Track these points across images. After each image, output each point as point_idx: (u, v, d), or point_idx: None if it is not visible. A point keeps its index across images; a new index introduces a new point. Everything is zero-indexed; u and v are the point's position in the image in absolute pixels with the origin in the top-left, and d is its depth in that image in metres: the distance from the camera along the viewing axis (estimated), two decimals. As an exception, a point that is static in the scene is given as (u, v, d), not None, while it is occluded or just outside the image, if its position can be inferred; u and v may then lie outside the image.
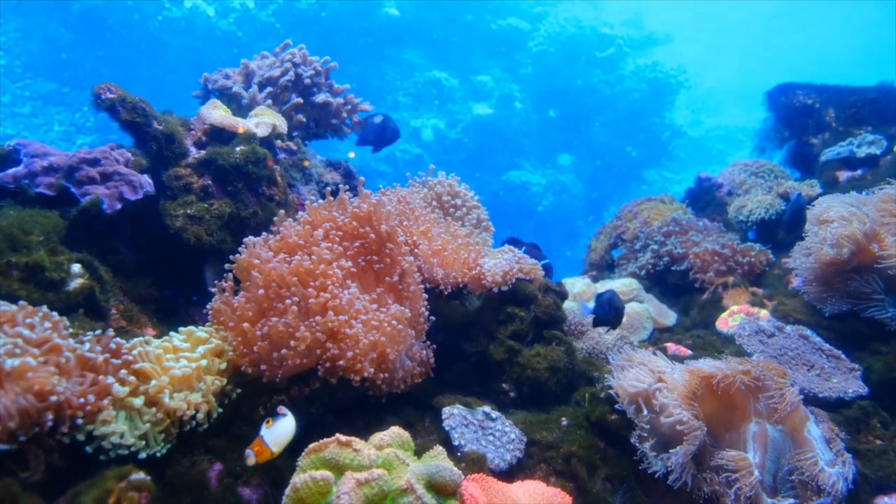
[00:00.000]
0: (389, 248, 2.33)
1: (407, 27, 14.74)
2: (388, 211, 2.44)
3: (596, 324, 2.73)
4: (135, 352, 1.87)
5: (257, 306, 2.08)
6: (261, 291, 2.07)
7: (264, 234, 2.34)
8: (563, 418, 2.26)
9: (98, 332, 1.84)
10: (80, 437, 1.60)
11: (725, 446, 1.94)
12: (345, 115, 3.49)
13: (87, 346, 1.73)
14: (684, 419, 1.86)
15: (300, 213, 2.51)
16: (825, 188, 4.01)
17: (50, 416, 1.52)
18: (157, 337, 2.12)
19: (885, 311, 2.63)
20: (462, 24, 15.34)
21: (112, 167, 2.42)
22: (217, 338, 2.09)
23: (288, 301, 2.04)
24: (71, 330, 1.78)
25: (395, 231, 2.40)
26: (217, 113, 2.82)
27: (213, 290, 2.23)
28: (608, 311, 2.62)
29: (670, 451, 1.88)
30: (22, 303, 1.72)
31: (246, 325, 2.04)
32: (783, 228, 2.64)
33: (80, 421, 1.59)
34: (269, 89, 3.23)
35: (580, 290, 3.62)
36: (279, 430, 1.73)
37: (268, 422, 1.73)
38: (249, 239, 2.27)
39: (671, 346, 2.98)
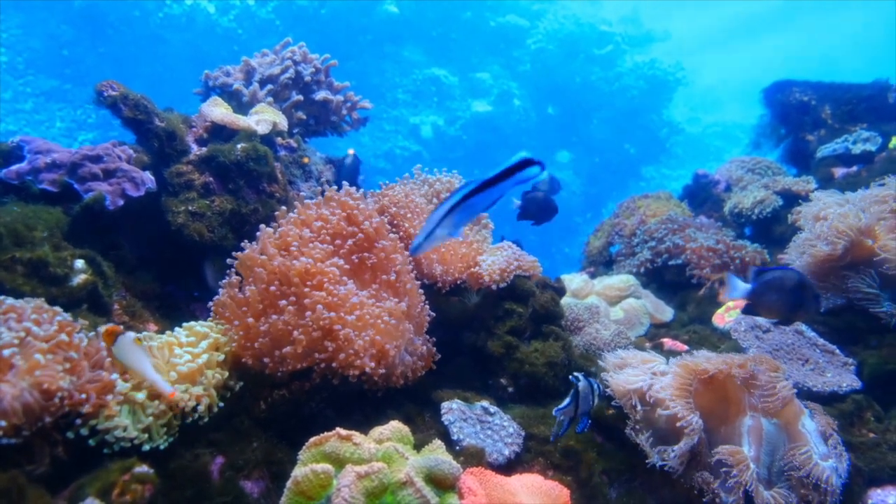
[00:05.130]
0: (381, 245, 2.35)
1: (406, 24, 14.75)
2: (372, 208, 2.45)
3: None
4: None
5: (261, 302, 2.10)
6: (273, 287, 2.09)
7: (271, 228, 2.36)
8: (561, 413, 2.28)
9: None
10: (85, 431, 1.62)
11: (721, 439, 1.96)
12: (344, 112, 3.51)
13: (93, 341, 1.76)
14: (681, 413, 1.88)
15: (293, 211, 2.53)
16: (821, 184, 4.02)
17: (54, 412, 1.54)
18: (160, 332, 2.15)
19: (879, 306, 2.66)
20: (461, 22, 15.34)
21: (114, 164, 2.43)
22: (217, 332, 2.12)
23: (285, 301, 2.06)
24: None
25: (382, 227, 2.41)
26: (218, 110, 2.84)
27: (217, 285, 2.25)
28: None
29: (669, 445, 1.91)
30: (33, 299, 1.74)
31: (250, 319, 2.06)
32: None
33: (78, 421, 1.62)
34: (269, 86, 3.25)
35: (578, 287, 3.65)
36: (137, 354, 1.72)
37: (140, 339, 1.77)
38: (263, 230, 2.29)
39: (668, 342, 3.00)
